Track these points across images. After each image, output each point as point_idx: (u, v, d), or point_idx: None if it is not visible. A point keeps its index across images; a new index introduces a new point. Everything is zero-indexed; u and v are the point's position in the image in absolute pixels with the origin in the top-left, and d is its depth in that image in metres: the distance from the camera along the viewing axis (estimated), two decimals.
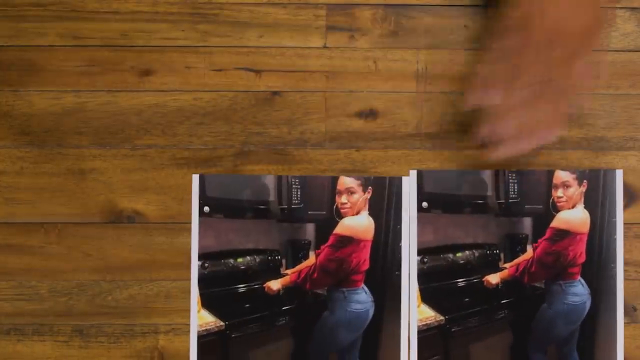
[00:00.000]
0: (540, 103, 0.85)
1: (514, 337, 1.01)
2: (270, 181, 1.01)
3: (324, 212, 1.01)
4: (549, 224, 1.02)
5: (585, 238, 1.01)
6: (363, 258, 1.01)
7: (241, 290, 1.01)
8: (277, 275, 1.01)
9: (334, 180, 1.01)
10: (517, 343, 1.01)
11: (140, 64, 1.01)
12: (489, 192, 1.02)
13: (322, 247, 1.01)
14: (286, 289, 1.01)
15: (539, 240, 1.02)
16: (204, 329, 1.00)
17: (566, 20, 0.84)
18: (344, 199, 1.01)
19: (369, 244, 1.01)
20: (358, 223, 1.01)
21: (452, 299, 1.02)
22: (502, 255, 1.02)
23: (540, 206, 1.02)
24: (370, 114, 1.02)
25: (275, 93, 1.01)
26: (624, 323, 1.01)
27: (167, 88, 1.01)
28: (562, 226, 1.02)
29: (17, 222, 1.00)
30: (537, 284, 1.02)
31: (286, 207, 1.01)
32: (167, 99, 1.01)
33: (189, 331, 1.00)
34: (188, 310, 1.00)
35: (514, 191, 1.02)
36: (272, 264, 1.01)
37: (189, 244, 1.00)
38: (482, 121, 0.88)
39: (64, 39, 1.01)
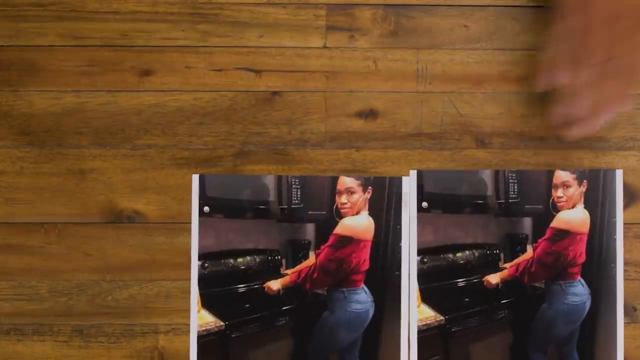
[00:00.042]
0: (607, 81, 0.87)
1: (514, 337, 1.01)
2: (270, 181, 1.01)
3: (324, 212, 1.01)
4: (549, 224, 1.02)
5: (585, 238, 1.01)
6: (363, 258, 1.01)
7: (241, 290, 1.01)
8: (277, 275, 1.01)
9: (334, 180, 1.01)
10: (517, 343, 1.01)
11: (140, 64, 1.01)
12: (489, 192, 1.02)
13: (322, 247, 1.01)
14: (286, 289, 1.01)
15: (539, 240, 1.02)
16: (204, 329, 1.00)
17: None
18: (344, 199, 1.01)
19: (369, 244, 1.01)
20: (358, 223, 1.01)
21: (452, 299, 1.02)
22: (502, 255, 1.02)
23: (540, 206, 1.02)
24: (370, 114, 1.02)
25: (275, 93, 1.02)
26: (624, 323, 1.01)
27: (167, 88, 1.01)
28: (562, 226, 1.02)
29: (17, 222, 1.00)
30: (537, 284, 1.02)
31: (286, 207, 1.01)
32: (167, 99, 1.01)
33: (189, 331, 1.00)
34: (188, 310, 1.00)
35: (514, 191, 1.02)
36: (272, 264, 1.01)
37: (189, 244, 1.00)
38: (555, 102, 0.91)
39: (64, 39, 1.01)
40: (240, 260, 1.01)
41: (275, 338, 1.01)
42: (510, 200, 1.02)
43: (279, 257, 1.01)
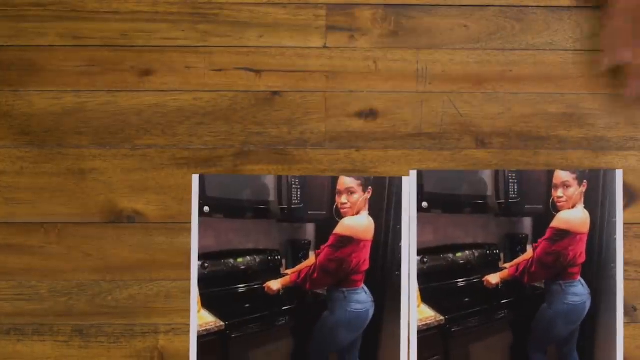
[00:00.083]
0: None
1: (514, 337, 1.01)
2: (270, 181, 1.01)
3: (324, 212, 1.01)
4: (549, 224, 1.02)
5: (585, 238, 1.01)
6: (363, 258, 1.01)
7: (241, 290, 1.01)
8: (277, 275, 1.01)
9: (334, 180, 1.01)
10: (517, 343, 1.01)
11: (140, 64, 1.01)
12: (489, 192, 1.02)
13: (322, 247, 1.01)
14: (286, 289, 1.01)
15: (539, 240, 1.02)
16: (204, 329, 1.00)
17: None
18: (344, 199, 1.01)
19: (369, 244, 1.01)
20: (358, 223, 1.01)
21: (452, 299, 1.02)
22: (502, 255, 1.02)
23: (540, 206, 1.02)
24: (370, 114, 1.02)
25: (275, 93, 1.01)
26: (624, 323, 1.01)
27: (167, 88, 1.01)
28: (562, 226, 1.02)
29: (17, 222, 1.00)
30: (537, 284, 1.02)
31: (286, 207, 1.01)
32: (167, 99, 1.01)
33: (189, 331, 1.00)
34: (188, 310, 1.00)
35: (514, 191, 1.02)
36: (272, 264, 1.01)
37: (189, 244, 1.00)
38: (628, 78, 0.94)
39: (64, 39, 1.01)
40: (240, 260, 1.01)
41: (275, 338, 1.01)
42: (510, 200, 1.02)
43: (279, 257, 1.01)
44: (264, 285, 1.01)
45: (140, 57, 1.01)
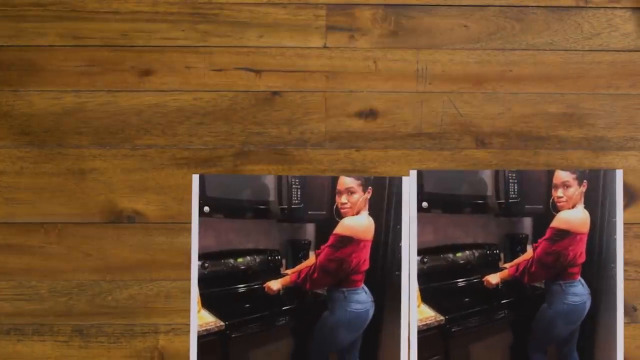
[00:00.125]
0: None
1: (514, 337, 1.01)
2: (270, 181, 1.01)
3: (324, 212, 1.01)
4: (549, 224, 1.02)
5: (585, 238, 1.01)
6: (363, 258, 1.01)
7: (241, 290, 1.01)
8: (277, 275, 1.01)
9: (334, 180, 1.01)
10: (517, 343, 1.01)
11: (140, 64, 1.01)
12: (489, 192, 1.02)
13: (322, 247, 1.01)
14: (286, 289, 1.01)
15: (539, 240, 1.02)
16: (204, 329, 1.00)
17: None
18: (344, 199, 1.01)
19: (369, 244, 1.01)
20: (358, 223, 1.01)
21: (452, 299, 1.02)
22: (502, 255, 1.02)
23: (540, 206, 1.02)
24: (370, 114, 1.02)
25: (275, 93, 1.01)
26: (624, 323, 1.01)
27: (167, 88, 1.01)
28: (562, 226, 1.02)
29: (17, 222, 1.00)
30: (537, 284, 1.02)
31: (286, 207, 1.01)
32: (167, 99, 1.01)
33: (189, 331, 1.00)
34: (188, 310, 1.00)
35: (514, 191, 1.02)
36: (272, 264, 1.01)
37: (189, 244, 1.00)
38: None
39: (64, 39, 1.01)
40: (240, 260, 1.01)
41: (275, 338, 1.01)
42: (510, 200, 1.02)
43: (279, 257, 1.01)
44: (264, 285, 1.01)
45: (140, 57, 1.01)
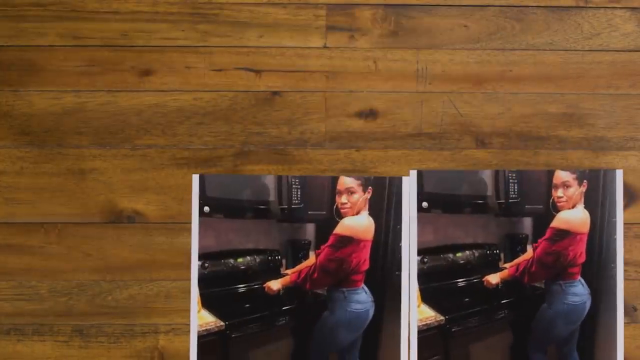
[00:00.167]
0: None
1: (514, 337, 1.01)
2: (270, 181, 1.01)
3: (324, 212, 1.01)
4: (549, 224, 1.02)
5: (585, 238, 1.01)
6: (363, 258, 1.01)
7: (241, 290, 1.01)
8: (277, 275, 1.01)
9: (334, 180, 1.01)
10: (517, 343, 1.01)
11: (140, 64, 1.01)
12: (489, 192, 1.02)
13: (322, 247, 1.01)
14: (286, 289, 1.01)
15: (539, 240, 1.02)
16: (204, 329, 1.00)
17: None
18: (344, 199, 1.01)
19: (369, 244, 1.01)
20: (358, 223, 1.01)
21: (452, 299, 1.02)
22: (502, 255, 1.02)
23: (540, 206, 1.02)
24: (370, 114, 1.02)
25: (275, 93, 1.01)
26: (624, 323, 1.01)
27: (167, 88, 1.01)
28: (562, 226, 1.02)
29: (17, 222, 1.00)
30: (537, 284, 1.02)
31: (286, 207, 1.01)
32: (167, 99, 1.01)
33: (189, 331, 1.00)
34: (188, 310, 1.00)
35: (514, 191, 1.02)
36: (272, 264, 1.01)
37: (189, 244, 1.00)
38: None
39: (64, 39, 1.01)
40: (240, 260, 1.01)
41: (275, 338, 1.01)
42: (510, 200, 1.02)
43: (279, 257, 1.01)
44: (264, 285, 1.01)
45: (140, 57, 1.01)
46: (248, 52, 1.02)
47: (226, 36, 1.02)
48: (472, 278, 1.02)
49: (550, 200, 1.02)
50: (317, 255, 1.01)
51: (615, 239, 1.01)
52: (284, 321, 1.01)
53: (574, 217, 1.01)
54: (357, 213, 1.01)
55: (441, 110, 1.02)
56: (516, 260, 1.02)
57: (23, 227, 1.00)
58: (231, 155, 1.01)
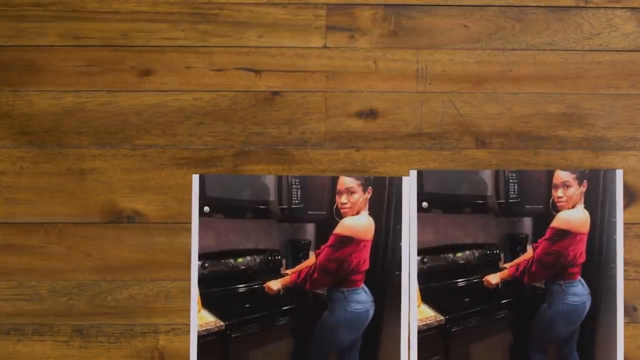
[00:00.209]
0: None
1: (514, 337, 1.01)
2: (270, 181, 1.01)
3: (324, 212, 1.01)
4: (549, 224, 1.02)
5: (585, 238, 1.01)
6: (363, 258, 1.01)
7: (241, 290, 1.01)
8: (277, 275, 1.01)
9: (334, 180, 1.01)
10: (517, 343, 1.01)
11: (140, 64, 1.01)
12: (489, 192, 1.02)
13: (322, 247, 1.01)
14: (286, 289, 1.01)
15: (539, 240, 1.02)
16: (204, 329, 1.00)
17: None
18: (344, 199, 1.01)
19: (369, 244, 1.01)
20: (358, 223, 1.01)
21: (452, 299, 1.02)
22: (502, 255, 1.02)
23: (540, 206, 1.02)
24: (370, 114, 1.02)
25: (275, 93, 1.01)
26: (624, 323, 1.01)
27: (167, 88, 1.01)
28: (562, 226, 1.02)
29: (17, 222, 1.00)
30: (537, 284, 1.02)
31: (286, 207, 1.01)
32: (167, 99, 1.01)
33: (189, 331, 1.00)
34: (188, 310, 1.00)
35: (514, 191, 1.02)
36: (272, 264, 1.01)
37: (189, 244, 1.00)
38: None
39: (64, 39, 1.01)
40: (240, 260, 1.01)
41: (275, 338, 1.01)
42: (510, 200, 1.02)
43: (279, 257, 1.01)
44: (264, 285, 1.01)
45: (140, 57, 1.01)
46: (248, 52, 1.02)
47: (226, 36, 1.02)
48: (472, 278, 1.02)
49: (550, 200, 1.02)
50: (317, 255, 1.01)
51: (615, 239, 1.01)
52: (284, 321, 1.01)
53: (574, 217, 1.01)
54: (357, 213, 1.01)
55: (441, 110, 1.02)
56: (516, 260, 1.02)
57: (23, 227, 1.00)
58: (231, 155, 1.01)
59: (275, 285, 1.01)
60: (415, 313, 1.00)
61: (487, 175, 1.02)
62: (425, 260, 1.01)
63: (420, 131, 1.02)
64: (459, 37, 1.02)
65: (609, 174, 1.02)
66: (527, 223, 1.02)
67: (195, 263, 1.00)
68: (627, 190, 1.02)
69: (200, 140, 1.01)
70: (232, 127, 1.01)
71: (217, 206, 1.01)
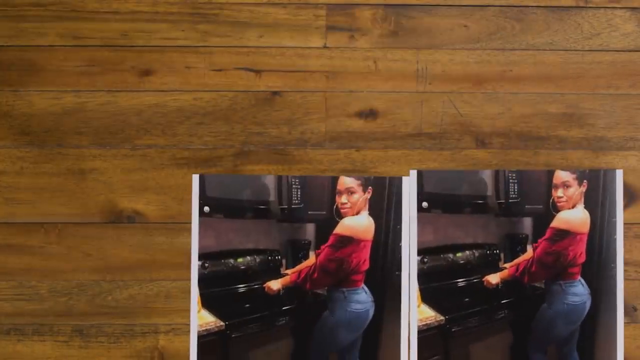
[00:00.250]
0: None
1: (514, 337, 1.01)
2: (270, 181, 1.01)
3: (324, 212, 1.01)
4: (549, 224, 1.02)
5: (585, 238, 1.01)
6: (363, 258, 1.01)
7: (241, 290, 1.01)
8: (277, 275, 1.01)
9: (334, 180, 1.01)
10: (517, 343, 1.01)
11: (140, 64, 1.01)
12: (489, 192, 1.02)
13: (322, 247, 1.01)
14: (286, 289, 1.01)
15: (539, 240, 1.02)
16: (204, 329, 1.00)
17: None
18: (344, 199, 1.01)
19: (369, 244, 1.01)
20: (358, 223, 1.01)
21: (452, 299, 1.02)
22: (502, 255, 1.02)
23: (540, 206, 1.02)
24: (370, 114, 1.02)
25: (275, 93, 1.01)
26: (624, 323, 1.01)
27: (167, 88, 1.01)
28: (562, 226, 1.02)
29: (17, 222, 1.00)
30: (537, 284, 1.02)
31: (286, 207, 1.01)
32: (167, 99, 1.01)
33: (189, 331, 1.00)
34: (188, 310, 1.00)
35: (514, 191, 1.02)
36: (272, 264, 1.01)
37: (189, 244, 1.00)
38: None
39: (64, 39, 1.01)
40: (240, 260, 1.01)
41: (275, 338, 1.01)
42: (510, 200, 1.02)
43: (279, 257, 1.01)
44: (264, 285, 1.01)
45: (140, 57, 1.01)
46: (248, 52, 1.02)
47: (226, 36, 1.02)
48: (472, 278, 1.02)
49: (550, 200, 1.02)
50: (317, 255, 1.01)
51: (615, 239, 1.01)
52: (284, 321, 1.01)
53: (574, 217, 1.01)
54: (357, 213, 1.01)
55: (441, 110, 1.02)
56: (516, 260, 1.02)
57: (23, 227, 1.00)
58: (231, 155, 1.01)
59: (275, 285, 1.01)
60: (415, 313, 1.00)
61: (487, 175, 1.02)
62: (425, 260, 1.01)
63: (420, 131, 1.02)
64: (459, 37, 1.02)
65: (609, 174, 1.02)
66: (527, 223, 1.02)
67: (195, 263, 1.00)
68: (627, 190, 1.02)
69: (200, 140, 1.01)
70: (232, 127, 1.01)
71: (217, 206, 1.01)
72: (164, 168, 1.01)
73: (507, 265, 1.02)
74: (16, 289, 1.00)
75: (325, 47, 1.02)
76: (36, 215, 1.00)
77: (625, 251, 1.01)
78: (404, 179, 1.01)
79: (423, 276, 1.01)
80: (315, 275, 1.01)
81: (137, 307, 1.00)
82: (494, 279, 1.02)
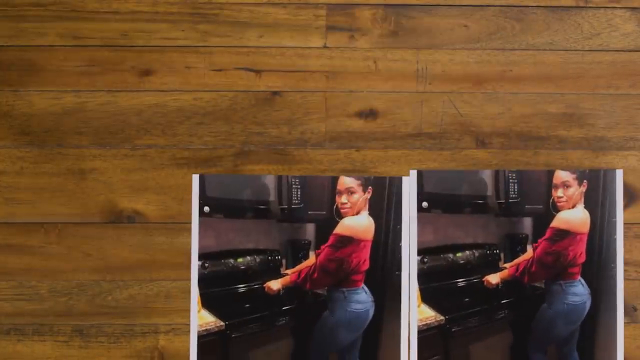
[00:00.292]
0: None
1: (514, 337, 1.01)
2: (270, 181, 1.01)
3: (324, 212, 1.01)
4: (549, 223, 1.02)
5: (585, 238, 1.01)
6: (363, 258, 1.01)
7: (241, 290, 1.01)
8: (277, 275, 1.01)
9: (334, 180, 1.01)
10: (517, 343, 1.01)
11: (140, 64, 1.01)
12: (489, 192, 1.02)
13: (322, 247, 1.01)
14: (286, 289, 1.01)
15: (539, 240, 1.02)
16: (204, 329, 1.00)
17: None
18: (344, 199, 1.01)
19: (369, 244, 1.01)
20: (358, 223, 1.01)
21: (452, 299, 1.02)
22: (502, 255, 1.02)
23: (540, 206, 1.02)
24: (370, 114, 1.02)
25: (275, 93, 1.01)
26: (624, 323, 1.01)
27: (167, 88, 1.01)
28: (562, 226, 1.02)
29: (17, 222, 1.00)
30: (537, 284, 1.02)
31: (286, 207, 1.01)
32: (167, 99, 1.01)
33: (189, 331, 1.00)
34: (188, 310, 1.00)
35: (514, 191, 1.02)
36: (272, 264, 1.01)
37: (189, 244, 1.00)
38: None
39: (64, 39, 1.01)
40: (240, 260, 1.01)
41: (275, 338, 1.01)
42: (510, 200, 1.02)
43: (279, 257, 1.01)
44: (264, 285, 1.01)
45: (140, 57, 1.01)
46: (248, 52, 1.02)
47: (226, 36, 1.02)
48: (472, 278, 1.02)
49: (550, 200, 1.02)
50: (317, 255, 1.01)
51: (615, 239, 1.01)
52: (284, 321, 1.01)
53: (574, 217, 1.01)
54: (357, 213, 1.01)
55: (441, 110, 1.02)
56: (516, 260, 1.02)
57: (23, 227, 1.00)
58: (231, 155, 1.01)
59: (275, 285, 1.01)
60: (415, 313, 1.00)
61: (487, 175, 1.02)
62: (425, 260, 1.01)
63: (420, 131, 1.02)
64: (459, 37, 1.02)
65: (609, 174, 1.02)
66: (527, 223, 1.02)
67: (195, 263, 1.00)
68: (627, 190, 1.02)
69: (200, 140, 1.01)
70: (232, 127, 1.01)
71: (217, 206, 1.01)
72: (164, 168, 1.01)
73: (507, 265, 1.02)
74: (16, 289, 1.00)
75: (325, 47, 1.02)
76: (36, 215, 1.00)
77: (625, 251, 1.01)
78: (404, 179, 1.01)
79: (423, 276, 1.01)
80: (315, 275, 1.01)
81: (137, 307, 1.00)
82: (494, 279, 1.02)
